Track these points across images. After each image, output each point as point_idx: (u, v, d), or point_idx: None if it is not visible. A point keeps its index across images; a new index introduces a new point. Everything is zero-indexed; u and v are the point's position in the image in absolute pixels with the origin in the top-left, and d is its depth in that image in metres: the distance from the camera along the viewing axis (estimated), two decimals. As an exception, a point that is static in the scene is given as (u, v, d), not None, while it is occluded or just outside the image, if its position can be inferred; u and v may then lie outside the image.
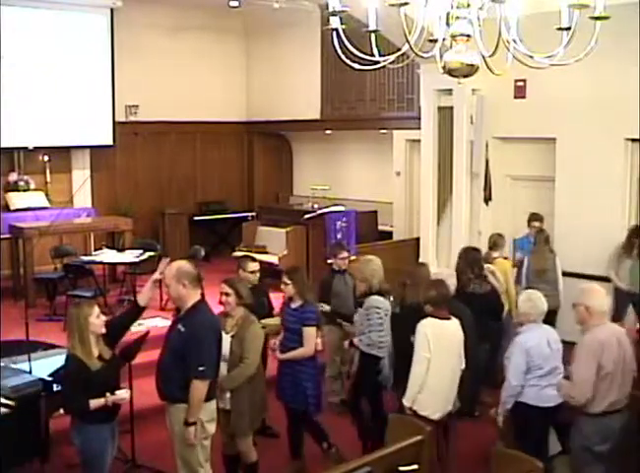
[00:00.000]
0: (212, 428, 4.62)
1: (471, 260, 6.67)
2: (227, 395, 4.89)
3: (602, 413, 4.46)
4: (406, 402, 5.04)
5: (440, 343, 4.99)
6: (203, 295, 4.68)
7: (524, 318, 5.01)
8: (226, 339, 4.85)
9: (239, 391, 4.88)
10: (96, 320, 4.52)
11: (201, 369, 4.36)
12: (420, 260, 9.22)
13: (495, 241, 7.68)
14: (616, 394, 4.48)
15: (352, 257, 8.13)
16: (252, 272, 6.12)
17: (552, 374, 4.85)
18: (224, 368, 4.83)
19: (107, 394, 4.50)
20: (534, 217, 8.18)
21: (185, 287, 4.47)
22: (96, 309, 4.55)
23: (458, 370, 5.16)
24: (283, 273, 5.59)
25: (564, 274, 7.82)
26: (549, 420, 4.95)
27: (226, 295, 4.98)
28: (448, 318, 5.14)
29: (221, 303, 5.04)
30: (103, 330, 4.58)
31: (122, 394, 4.63)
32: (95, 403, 4.44)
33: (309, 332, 5.32)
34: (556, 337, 5.00)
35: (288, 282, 5.40)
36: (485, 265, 6.94)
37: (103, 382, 4.53)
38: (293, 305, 5.42)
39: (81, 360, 4.42)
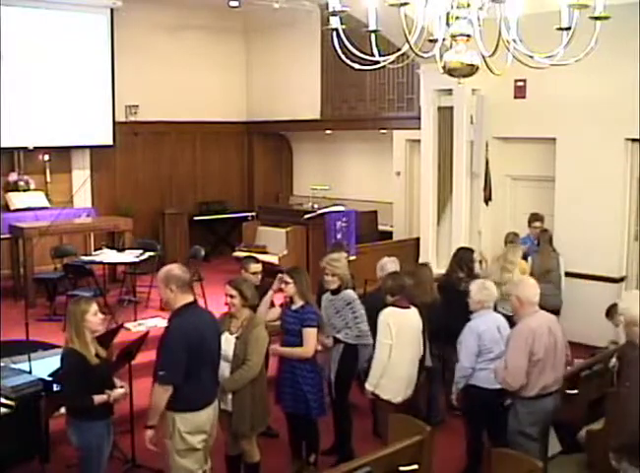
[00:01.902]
0: (194, 440, 4.37)
1: (459, 260, 6.78)
2: (229, 396, 4.86)
3: (535, 396, 4.73)
4: (368, 387, 5.44)
5: (401, 331, 5.36)
6: (196, 299, 4.57)
7: (479, 306, 5.29)
8: (231, 340, 4.85)
9: (241, 393, 4.85)
10: (93, 318, 4.55)
11: (161, 373, 4.26)
12: (420, 260, 9.23)
13: (512, 241, 7.73)
14: (548, 378, 4.75)
15: (352, 257, 8.15)
16: (254, 273, 6.11)
17: (501, 358, 5.05)
18: (226, 369, 4.81)
19: (107, 391, 4.53)
20: (534, 217, 8.18)
21: (172, 291, 4.41)
22: (94, 307, 4.58)
23: (417, 356, 5.52)
24: (284, 272, 5.54)
25: (564, 274, 7.83)
26: (497, 401, 5.17)
27: (231, 296, 4.94)
28: (408, 307, 5.50)
29: (226, 304, 5.01)
30: (100, 328, 4.61)
31: (122, 390, 4.70)
32: (98, 399, 4.47)
33: (309, 333, 5.26)
34: (505, 324, 5.25)
35: (290, 281, 5.34)
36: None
37: (102, 378, 4.57)
38: (294, 307, 5.36)
39: (80, 354, 4.45)
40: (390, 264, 6.33)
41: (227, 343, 4.82)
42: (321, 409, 5.39)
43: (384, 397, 5.45)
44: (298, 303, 5.36)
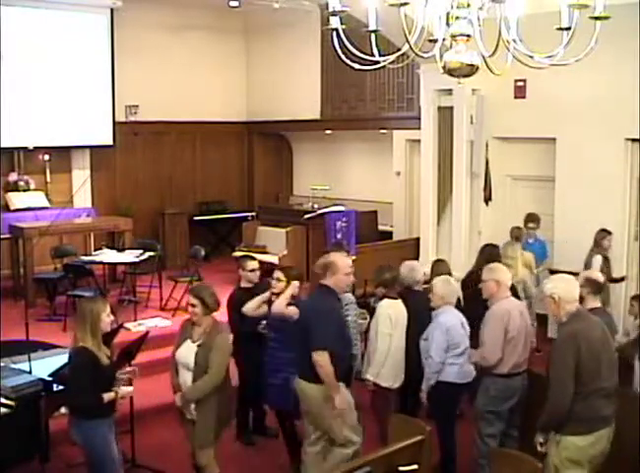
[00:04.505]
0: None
1: (487, 256, 6.76)
2: (193, 406, 4.75)
3: (506, 374, 5.00)
4: (370, 377, 5.69)
5: (398, 320, 5.69)
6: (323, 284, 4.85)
7: (441, 301, 5.43)
8: (192, 348, 4.75)
9: (204, 402, 4.71)
10: (107, 318, 4.58)
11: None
12: (420, 260, 9.23)
13: (517, 235, 7.77)
14: (518, 357, 5.03)
15: (352, 257, 8.13)
16: (252, 270, 6.13)
17: (467, 353, 5.30)
18: (189, 377, 4.74)
19: (114, 388, 4.55)
20: (529, 218, 8.22)
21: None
22: (108, 307, 4.61)
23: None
24: (277, 269, 5.62)
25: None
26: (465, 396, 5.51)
27: (192, 305, 4.78)
28: (397, 298, 5.81)
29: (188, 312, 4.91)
30: (109, 329, 4.61)
31: (129, 388, 4.73)
32: (107, 396, 4.49)
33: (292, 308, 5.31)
34: (465, 320, 5.45)
35: (283, 279, 5.41)
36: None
37: (110, 378, 4.58)
38: None
39: (93, 353, 4.46)
40: (422, 268, 6.32)
41: (189, 351, 4.74)
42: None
43: (384, 385, 5.71)
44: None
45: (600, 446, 4.22)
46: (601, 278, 5.23)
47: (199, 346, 4.74)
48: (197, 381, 4.70)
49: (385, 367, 5.66)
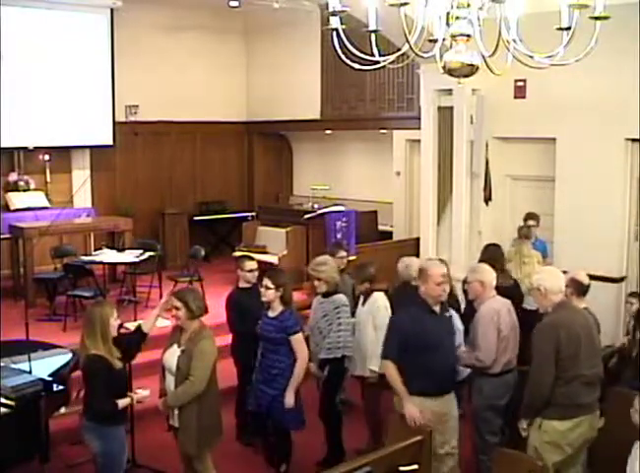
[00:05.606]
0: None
1: (490, 255, 6.72)
2: (176, 412, 4.71)
3: (499, 373, 5.03)
4: (378, 369, 5.49)
5: (389, 311, 5.74)
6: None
7: None
8: (176, 353, 4.72)
9: (186, 409, 4.66)
10: (115, 322, 4.57)
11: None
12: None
13: (526, 234, 7.74)
14: (509, 355, 5.09)
15: (352, 257, 8.15)
16: (250, 271, 6.12)
17: (460, 351, 5.23)
18: (172, 383, 4.69)
19: (129, 393, 4.54)
20: (528, 216, 8.21)
21: None
22: (115, 312, 4.60)
23: None
24: (265, 276, 5.28)
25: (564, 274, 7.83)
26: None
27: (176, 308, 4.73)
28: (382, 290, 5.97)
29: (173, 316, 4.84)
30: (116, 333, 4.61)
31: (146, 392, 4.71)
32: (122, 403, 4.48)
33: (297, 339, 5.14)
34: (457, 316, 5.43)
35: (271, 286, 5.14)
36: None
37: (124, 382, 4.58)
38: (271, 314, 5.22)
39: (106, 359, 4.44)
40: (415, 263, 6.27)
41: (173, 356, 4.71)
42: (296, 420, 5.27)
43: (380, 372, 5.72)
44: (277, 309, 5.21)
45: (580, 432, 4.36)
46: (586, 280, 5.21)
47: (182, 351, 4.69)
48: (178, 388, 4.65)
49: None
